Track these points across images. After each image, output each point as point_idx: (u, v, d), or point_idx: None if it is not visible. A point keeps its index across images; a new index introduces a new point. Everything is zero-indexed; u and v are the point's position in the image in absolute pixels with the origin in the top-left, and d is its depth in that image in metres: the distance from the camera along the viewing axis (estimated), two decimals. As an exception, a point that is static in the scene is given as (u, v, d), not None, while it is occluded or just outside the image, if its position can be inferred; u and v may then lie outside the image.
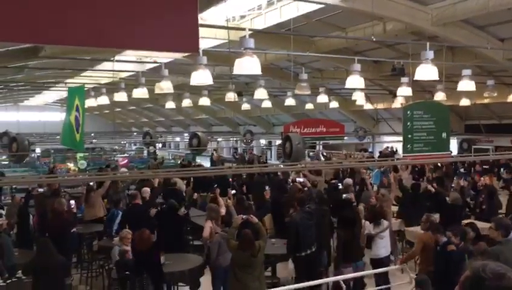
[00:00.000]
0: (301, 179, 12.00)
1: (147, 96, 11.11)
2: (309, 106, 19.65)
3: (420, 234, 7.58)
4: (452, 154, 16.68)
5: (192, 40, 1.61)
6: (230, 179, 13.40)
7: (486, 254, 6.03)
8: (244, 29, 6.55)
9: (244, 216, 6.79)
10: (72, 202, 10.53)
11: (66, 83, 18.84)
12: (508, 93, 15.40)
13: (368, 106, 20.90)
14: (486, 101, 15.98)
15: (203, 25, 7.85)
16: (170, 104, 18.68)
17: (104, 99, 14.11)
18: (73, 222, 9.34)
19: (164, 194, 10.97)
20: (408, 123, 7.77)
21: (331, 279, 7.14)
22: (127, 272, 6.57)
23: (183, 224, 8.68)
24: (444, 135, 7.91)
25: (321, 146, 24.58)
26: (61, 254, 6.72)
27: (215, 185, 10.42)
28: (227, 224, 7.42)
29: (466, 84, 9.93)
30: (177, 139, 36.79)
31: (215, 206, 8.04)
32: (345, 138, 21.08)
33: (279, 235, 8.78)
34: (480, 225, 7.96)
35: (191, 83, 6.85)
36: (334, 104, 18.61)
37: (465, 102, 15.34)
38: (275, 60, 17.21)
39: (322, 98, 15.22)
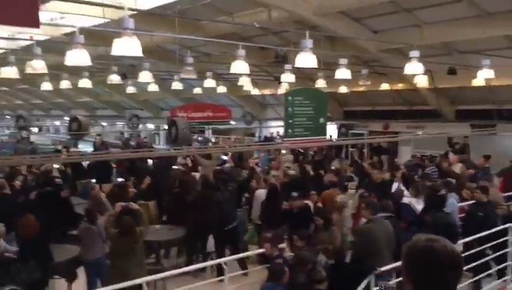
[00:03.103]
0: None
1: (17, 76, 10.18)
2: (197, 90, 19.54)
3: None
4: (332, 138, 17.77)
5: (31, 14, 1.45)
6: (114, 165, 12.93)
7: (357, 232, 6.53)
8: (123, 8, 6.24)
9: (123, 203, 6.55)
10: None
11: None
12: (380, 82, 16.70)
13: (255, 92, 21.33)
14: (361, 89, 17.16)
15: (78, 1, 7.37)
16: (47, 86, 17.35)
17: (-32, 79, 12.64)
18: None
19: (40, 184, 10.18)
20: (289, 108, 8.06)
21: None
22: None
23: (66, 209, 8.12)
24: (321, 120, 8.34)
25: (210, 131, 24.68)
26: None
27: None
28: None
29: (343, 73, 10.54)
30: (57, 123, 34.46)
31: (100, 198, 7.65)
32: (233, 122, 21.39)
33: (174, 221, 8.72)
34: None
35: (66, 63, 6.39)
36: (222, 89, 18.71)
37: (343, 89, 16.33)
38: (162, 43, 16.80)
39: (209, 83, 15.19)
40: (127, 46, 5.82)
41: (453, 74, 12.95)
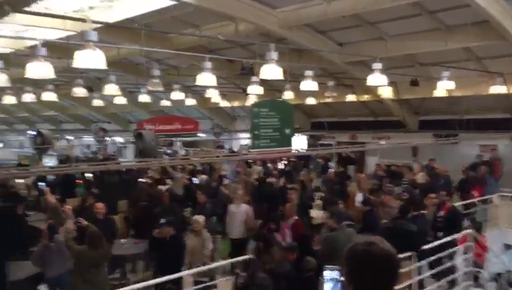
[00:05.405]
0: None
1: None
2: (166, 102, 19.43)
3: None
4: (301, 149, 17.93)
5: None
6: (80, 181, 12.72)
7: (322, 240, 6.61)
8: (85, 20, 6.21)
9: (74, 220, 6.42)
10: None
11: None
12: (347, 93, 16.99)
13: (224, 104, 21.34)
14: (328, 100, 17.41)
15: (40, 14, 7.30)
16: (9, 99, 16.89)
17: None
18: None
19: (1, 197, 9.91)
20: (255, 120, 8.14)
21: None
22: None
23: (21, 226, 7.89)
24: (287, 131, 8.44)
25: (180, 143, 24.51)
26: None
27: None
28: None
29: (309, 84, 10.73)
30: (22, 137, 33.61)
31: (58, 209, 7.48)
32: (202, 135, 21.33)
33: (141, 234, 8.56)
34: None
35: (26, 76, 6.29)
36: (191, 102, 18.67)
37: (310, 101, 16.55)
38: (129, 55, 16.68)
39: (177, 95, 15.17)
40: (89, 59, 5.79)
41: (415, 85, 13.31)
